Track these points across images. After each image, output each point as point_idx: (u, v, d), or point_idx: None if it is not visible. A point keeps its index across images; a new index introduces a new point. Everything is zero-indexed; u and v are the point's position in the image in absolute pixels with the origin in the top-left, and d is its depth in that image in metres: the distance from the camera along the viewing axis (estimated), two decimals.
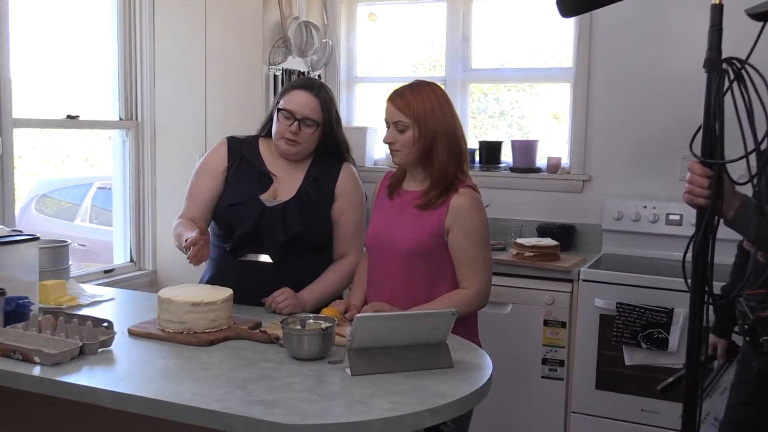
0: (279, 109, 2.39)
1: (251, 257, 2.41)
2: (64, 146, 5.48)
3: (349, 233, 2.46)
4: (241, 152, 2.49)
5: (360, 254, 2.46)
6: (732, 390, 2.46)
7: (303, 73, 3.80)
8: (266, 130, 2.51)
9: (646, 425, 3.09)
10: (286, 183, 2.44)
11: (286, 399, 1.62)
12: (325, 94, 2.43)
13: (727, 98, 1.60)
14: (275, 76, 3.61)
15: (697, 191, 1.69)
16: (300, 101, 2.38)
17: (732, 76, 1.60)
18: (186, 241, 2.22)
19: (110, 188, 4.02)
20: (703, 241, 1.66)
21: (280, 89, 2.50)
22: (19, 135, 3.12)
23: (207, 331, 2.04)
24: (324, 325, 1.94)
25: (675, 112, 3.46)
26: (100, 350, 1.91)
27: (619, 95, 3.62)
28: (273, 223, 2.36)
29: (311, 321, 1.97)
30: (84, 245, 4.83)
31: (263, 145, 2.51)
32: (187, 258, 2.20)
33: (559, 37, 3.83)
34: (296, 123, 2.37)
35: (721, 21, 1.61)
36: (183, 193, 2.55)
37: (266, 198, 2.41)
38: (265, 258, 2.40)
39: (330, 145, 2.48)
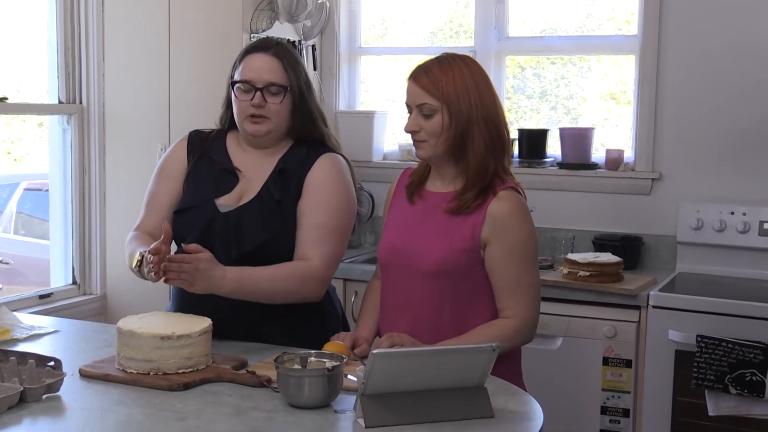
0: (233, 83, 2.43)
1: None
2: None
3: (310, 236, 2.40)
4: (203, 149, 2.53)
5: (325, 262, 2.40)
6: None
7: (294, 43, 3.83)
8: (227, 121, 2.56)
9: None
10: (252, 181, 2.47)
11: None
12: (287, 53, 2.48)
13: None
14: None
15: None
16: (257, 65, 2.42)
17: None
18: (137, 257, 2.25)
19: (43, 190, 4.05)
20: None
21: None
22: None
23: (180, 371, 2.05)
24: (329, 364, 1.95)
25: None
26: (45, 396, 1.91)
27: (698, 71, 3.66)
28: (226, 233, 2.39)
29: (313, 359, 1.99)
30: (8, 263, 4.84)
31: (231, 139, 2.55)
32: (147, 273, 2.22)
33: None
34: (258, 93, 2.40)
35: None
36: (140, 198, 2.58)
37: (225, 202, 2.44)
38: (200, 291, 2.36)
39: (307, 122, 2.50)
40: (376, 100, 4.36)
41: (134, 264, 2.29)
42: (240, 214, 2.41)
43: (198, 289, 2.23)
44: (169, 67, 3.71)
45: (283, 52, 2.47)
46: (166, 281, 2.23)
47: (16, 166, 5.95)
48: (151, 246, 2.22)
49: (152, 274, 2.20)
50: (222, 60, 3.52)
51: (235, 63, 2.50)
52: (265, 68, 2.42)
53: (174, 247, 2.50)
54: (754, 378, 3.01)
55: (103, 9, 3.77)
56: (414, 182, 2.39)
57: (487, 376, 1.90)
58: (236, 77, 2.44)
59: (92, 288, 3.87)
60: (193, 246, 2.23)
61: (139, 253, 2.28)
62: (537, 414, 1.92)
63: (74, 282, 3.86)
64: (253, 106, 2.41)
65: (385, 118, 4.20)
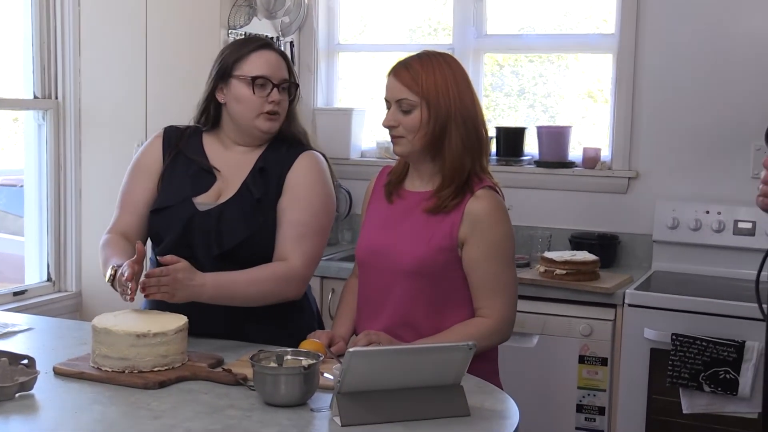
0: (253, 78, 2.41)
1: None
2: None
3: (290, 235, 2.41)
4: (179, 146, 2.53)
5: (305, 262, 2.41)
6: None
7: (272, 39, 3.82)
8: (209, 120, 2.54)
9: None
10: (231, 180, 2.47)
11: None
12: (284, 52, 2.54)
13: None
14: None
15: None
16: (272, 62, 2.45)
17: None
18: (110, 270, 2.25)
19: (16, 186, 4.03)
20: None
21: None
22: None
23: (156, 369, 2.05)
24: (305, 362, 1.95)
25: (748, 92, 3.52)
26: (18, 395, 1.91)
27: (675, 69, 3.68)
28: (206, 231, 2.39)
29: (289, 357, 1.99)
30: None
31: (208, 136, 2.55)
32: (122, 294, 2.21)
33: None
34: (274, 89, 2.42)
35: None
36: (116, 195, 2.57)
37: (203, 200, 2.44)
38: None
39: (291, 120, 2.52)
40: (354, 97, 4.36)
41: (107, 278, 2.29)
42: (220, 212, 2.41)
43: (179, 300, 2.23)
44: (146, 62, 3.70)
45: (281, 50, 2.52)
46: (146, 297, 2.24)
47: None
48: (125, 266, 2.20)
49: (128, 297, 2.18)
50: (199, 56, 3.52)
51: (227, 59, 2.47)
52: (278, 65, 2.46)
53: (150, 247, 2.50)
54: (727, 376, 3.03)
55: (79, 3, 3.75)
56: (392, 181, 2.40)
57: (463, 374, 1.91)
58: (251, 72, 2.42)
59: (67, 285, 3.86)
60: (169, 257, 2.22)
61: (112, 267, 2.28)
62: (513, 412, 1.93)
63: (49, 279, 3.84)
64: (271, 103, 2.42)
65: (363, 116, 4.21)
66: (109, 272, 2.28)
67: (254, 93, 2.42)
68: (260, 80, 2.42)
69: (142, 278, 2.20)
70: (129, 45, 3.71)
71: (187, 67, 3.59)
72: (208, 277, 2.27)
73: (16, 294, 3.68)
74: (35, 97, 3.76)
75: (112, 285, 2.27)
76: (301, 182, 2.45)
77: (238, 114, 2.46)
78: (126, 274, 2.18)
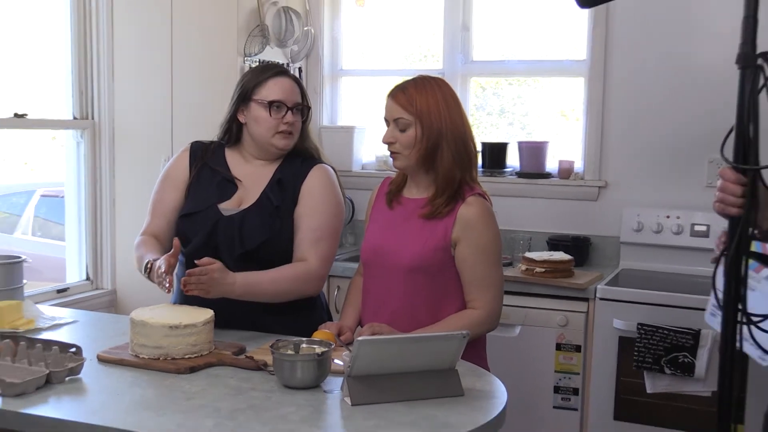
0: (270, 103, 2.43)
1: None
2: (4, 149, 5.47)
3: (307, 238, 2.42)
4: (204, 159, 2.54)
5: (321, 262, 2.42)
6: (766, 420, 2.53)
7: (285, 66, 3.84)
8: (232, 137, 2.55)
9: None
10: (251, 189, 2.48)
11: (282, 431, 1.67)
12: (297, 78, 2.56)
13: (762, 96, 1.67)
14: None
15: (729, 200, 1.73)
16: (287, 88, 2.46)
17: (767, 74, 1.66)
18: (146, 264, 2.29)
19: (56, 196, 4.03)
20: (736, 254, 1.71)
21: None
22: None
23: (186, 356, 2.07)
24: (319, 350, 1.97)
25: (703, 111, 3.53)
26: (68, 379, 1.93)
27: (639, 91, 3.69)
28: (230, 234, 2.40)
29: (305, 346, 2.01)
30: (28, 262, 4.85)
31: (230, 151, 2.56)
32: (160, 285, 2.24)
33: (570, 27, 3.89)
34: (289, 112, 2.44)
35: (757, 11, 1.66)
36: (146, 203, 2.59)
37: (227, 206, 2.45)
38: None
39: (304, 137, 2.54)
40: (356, 116, 4.37)
41: (144, 270, 2.32)
42: (242, 217, 2.42)
43: (213, 296, 2.25)
44: (172, 86, 3.70)
45: (295, 77, 2.54)
46: (186, 293, 2.25)
47: (32, 175, 5.92)
48: (161, 259, 2.25)
49: (166, 285, 2.22)
50: (218, 79, 3.56)
51: (251, 83, 2.48)
52: (292, 90, 2.47)
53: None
54: (685, 360, 3.05)
55: (112, 34, 3.75)
56: (392, 190, 2.41)
57: (458, 359, 1.93)
58: (268, 97, 2.44)
59: (103, 283, 3.86)
60: (206, 259, 2.24)
61: (147, 261, 2.31)
62: (501, 392, 1.95)
63: (87, 278, 3.84)
64: (286, 123, 2.44)
65: (363, 133, 4.22)
66: (145, 264, 2.30)
67: (271, 115, 2.43)
68: (276, 104, 2.43)
69: (183, 276, 2.22)
70: (157, 70, 3.71)
71: (207, 90, 3.60)
72: (238, 276, 2.28)
73: (59, 291, 3.68)
74: (74, 117, 3.76)
75: (148, 277, 2.30)
76: (314, 192, 2.46)
77: (257, 133, 2.47)
78: (163, 268, 2.21)
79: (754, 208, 1.73)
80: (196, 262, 2.25)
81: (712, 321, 2.12)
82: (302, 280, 2.39)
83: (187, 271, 2.22)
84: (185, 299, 2.40)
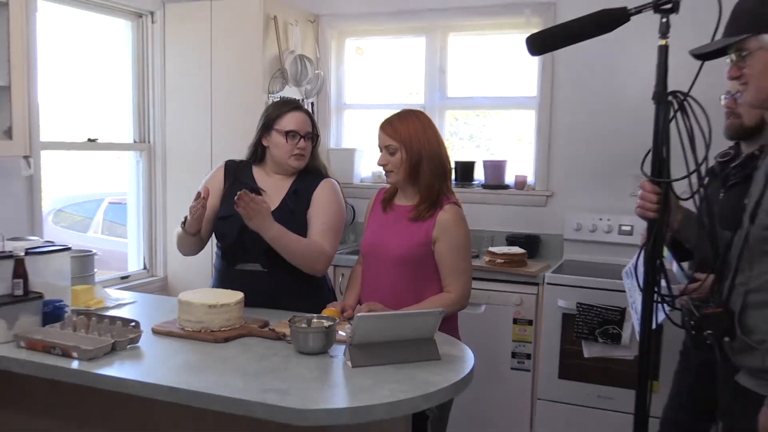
0: (286, 132, 2.44)
1: (242, 266, 2.44)
2: (79, 166, 5.47)
3: (318, 229, 2.40)
4: (236, 174, 2.53)
5: (331, 246, 2.41)
6: (675, 377, 2.55)
7: (301, 101, 3.84)
8: (257, 157, 2.54)
9: (602, 409, 3.16)
10: (272, 197, 2.46)
11: (297, 388, 1.67)
12: (309, 111, 2.55)
13: (672, 125, 1.68)
14: None
15: (648, 206, 1.75)
16: (301, 120, 2.46)
17: (676, 107, 1.68)
18: (183, 218, 2.36)
19: (120, 203, 4.02)
20: (653, 248, 1.73)
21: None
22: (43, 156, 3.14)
23: (222, 329, 2.08)
24: (326, 323, 1.99)
25: (628, 137, 3.54)
26: (129, 347, 1.95)
27: (577, 121, 3.70)
28: (256, 232, 2.37)
29: (315, 320, 2.02)
30: (98, 255, 4.85)
31: (256, 168, 2.56)
32: (185, 226, 2.34)
33: (523, 69, 3.90)
34: (301, 139, 2.44)
35: (666, 60, 1.68)
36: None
37: None
38: (254, 266, 2.42)
39: (314, 158, 2.53)
40: (356, 140, 4.37)
41: (182, 222, 2.35)
42: None
43: (252, 225, 2.25)
44: (211, 116, 3.70)
45: (307, 110, 2.52)
46: (236, 207, 2.23)
47: (100, 186, 5.91)
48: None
49: (194, 225, 2.32)
50: (247, 111, 3.56)
51: (273, 115, 2.48)
52: (304, 122, 2.47)
53: (214, 243, 2.51)
54: (614, 331, 3.06)
55: (164, 75, 3.76)
56: (386, 198, 2.41)
57: (435, 331, 1.93)
58: (285, 127, 2.44)
59: (157, 271, 3.86)
60: (263, 198, 2.27)
61: (183, 217, 2.35)
62: (469, 357, 1.96)
63: (144, 267, 3.84)
64: (300, 148, 2.44)
65: (362, 154, 4.21)
66: (182, 219, 2.33)
67: (287, 141, 2.44)
68: (292, 133, 2.44)
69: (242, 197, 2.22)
70: (199, 104, 3.72)
71: (238, 119, 3.60)
72: (276, 224, 2.29)
73: (122, 278, 3.68)
74: (134, 141, 3.77)
75: (183, 227, 2.35)
76: (323, 198, 2.46)
77: (276, 155, 2.48)
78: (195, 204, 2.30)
79: (667, 212, 1.75)
80: (253, 191, 2.27)
81: (626, 278, 2.14)
82: (316, 254, 2.37)
83: (244, 190, 2.22)
84: (222, 284, 2.42)
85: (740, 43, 1.58)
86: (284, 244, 2.32)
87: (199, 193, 2.34)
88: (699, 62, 1.69)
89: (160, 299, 2.68)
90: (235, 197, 2.22)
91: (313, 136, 2.50)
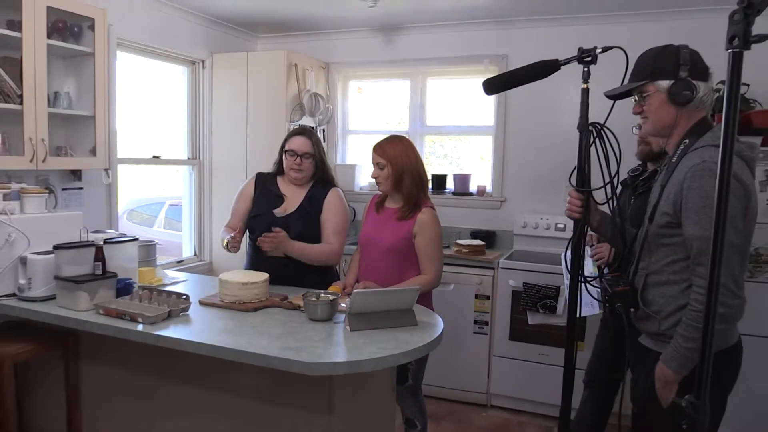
0: (285, 150, 2.44)
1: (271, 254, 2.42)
2: (147, 176, 5.44)
3: (331, 232, 2.40)
4: (264, 183, 2.52)
5: (340, 245, 2.40)
6: (596, 339, 2.56)
7: (312, 128, 3.84)
8: (281, 170, 2.53)
9: (542, 364, 3.16)
10: (292, 201, 2.45)
11: (308, 346, 1.68)
12: (314, 136, 2.49)
13: (592, 148, 1.69)
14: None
15: (574, 209, 1.75)
16: (299, 143, 2.43)
17: (595, 135, 1.69)
18: (225, 240, 2.29)
19: (179, 205, 4.01)
20: (578, 241, 1.74)
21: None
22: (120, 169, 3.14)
23: (252, 301, 2.09)
24: (331, 297, 1.99)
25: (562, 157, 3.54)
26: (181, 314, 1.95)
27: (524, 144, 3.70)
28: (281, 227, 2.38)
29: (322, 295, 2.02)
30: (160, 244, 4.85)
31: (280, 178, 2.55)
32: (231, 249, 2.28)
33: (483, 104, 3.89)
34: (299, 158, 2.42)
35: (588, 99, 1.67)
36: (229, 209, 2.59)
37: (278, 211, 2.44)
38: (277, 254, 2.40)
39: (323, 171, 2.49)
40: (357, 158, 4.36)
41: (224, 244, 2.32)
42: (287, 219, 2.42)
43: (277, 252, 2.25)
44: (246, 139, 3.70)
45: (312, 134, 2.48)
46: (263, 249, 2.24)
47: (164, 192, 5.89)
48: (232, 235, 2.26)
49: (234, 249, 2.25)
50: (273, 134, 3.55)
51: (286, 138, 2.48)
52: (303, 144, 2.43)
53: (247, 236, 2.51)
54: (551, 304, 3.07)
55: (212, 106, 3.75)
56: (378, 202, 2.39)
57: (413, 304, 1.94)
58: (287, 147, 2.43)
59: (204, 257, 3.85)
60: (278, 229, 2.26)
61: (224, 239, 2.31)
62: (440, 324, 1.96)
63: (195, 254, 3.83)
64: (296, 164, 2.42)
65: (361, 168, 4.20)
66: (225, 241, 2.31)
67: (287, 158, 2.43)
68: (290, 152, 2.42)
69: (258, 239, 2.24)
70: (238, 129, 3.71)
71: (267, 141, 3.58)
72: (295, 243, 2.29)
73: (177, 262, 3.67)
74: (188, 158, 3.76)
75: (225, 248, 2.30)
76: (332, 204, 2.45)
77: (284, 167, 2.46)
78: (233, 234, 2.26)
79: (589, 214, 1.76)
80: (273, 229, 2.26)
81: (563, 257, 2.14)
82: (329, 254, 2.39)
83: (264, 233, 2.22)
84: (252, 267, 2.41)
85: (641, 87, 1.61)
86: (304, 254, 2.34)
87: (227, 241, 2.30)
88: (612, 101, 1.70)
89: (206, 278, 2.69)
90: (257, 241, 2.23)
91: (312, 155, 2.44)
